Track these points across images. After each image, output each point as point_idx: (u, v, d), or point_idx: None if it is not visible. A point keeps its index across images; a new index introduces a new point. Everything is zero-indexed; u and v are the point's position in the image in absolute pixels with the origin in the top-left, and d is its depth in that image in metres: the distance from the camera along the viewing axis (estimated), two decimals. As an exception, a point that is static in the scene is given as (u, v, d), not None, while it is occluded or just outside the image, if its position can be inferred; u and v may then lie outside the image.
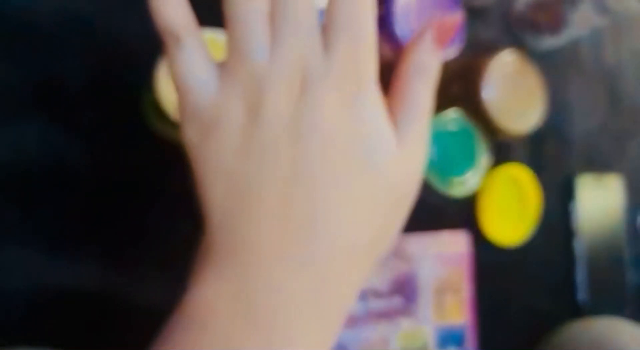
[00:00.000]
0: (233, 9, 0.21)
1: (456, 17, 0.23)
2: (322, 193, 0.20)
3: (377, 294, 0.45)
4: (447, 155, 0.41)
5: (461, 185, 0.41)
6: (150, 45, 0.37)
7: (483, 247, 0.50)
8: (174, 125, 0.33)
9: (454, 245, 0.49)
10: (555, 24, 0.51)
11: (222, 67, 0.21)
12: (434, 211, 0.48)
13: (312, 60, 0.20)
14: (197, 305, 0.20)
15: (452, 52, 0.43)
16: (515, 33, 0.54)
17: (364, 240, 0.21)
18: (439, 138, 0.41)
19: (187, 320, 0.20)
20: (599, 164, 0.59)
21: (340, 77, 0.20)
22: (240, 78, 0.20)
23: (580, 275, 0.55)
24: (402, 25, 0.41)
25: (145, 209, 0.38)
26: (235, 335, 0.19)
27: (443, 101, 0.47)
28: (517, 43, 0.54)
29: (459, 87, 0.46)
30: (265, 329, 0.19)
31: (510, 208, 0.51)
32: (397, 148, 0.21)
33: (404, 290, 0.46)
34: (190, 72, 0.21)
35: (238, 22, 0.21)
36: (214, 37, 0.34)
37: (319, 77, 0.20)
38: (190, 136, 0.21)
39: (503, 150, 0.52)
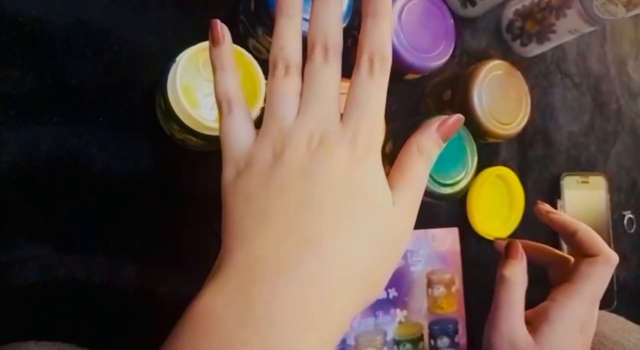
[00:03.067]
0: (272, 84, 0.26)
1: (459, 118, 0.28)
2: (325, 223, 0.23)
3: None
4: (439, 157, 0.42)
5: (452, 185, 0.42)
6: (161, 53, 0.38)
7: (473, 244, 0.52)
8: (182, 128, 0.34)
9: (445, 241, 0.50)
10: (543, 32, 0.52)
11: (260, 129, 0.26)
12: (427, 210, 0.49)
13: (330, 126, 0.25)
14: (201, 312, 0.21)
15: (444, 60, 0.44)
16: (504, 41, 0.56)
17: (358, 269, 0.23)
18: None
19: (191, 325, 0.21)
20: (584, 165, 0.60)
21: (351, 142, 0.25)
22: (271, 134, 0.26)
23: None
24: (397, 35, 0.42)
25: (156, 207, 0.39)
26: (235, 340, 0.20)
27: (436, 106, 0.48)
28: (506, 50, 0.56)
29: (451, 93, 0.47)
30: (263, 335, 0.20)
31: (497, 206, 0.53)
32: (392, 207, 0.25)
33: (399, 283, 0.47)
34: (234, 129, 0.27)
35: (275, 95, 0.26)
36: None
37: (334, 139, 0.25)
38: (227, 176, 0.26)
39: (492, 152, 0.54)
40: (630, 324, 0.47)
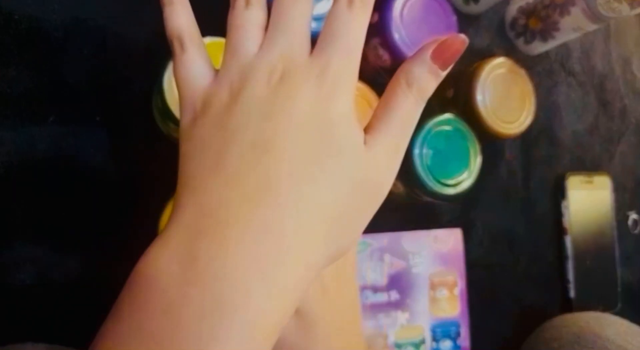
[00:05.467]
0: (234, 17, 0.24)
1: (462, 39, 0.22)
2: (285, 167, 0.21)
3: (374, 289, 0.46)
4: (441, 157, 0.42)
5: (455, 186, 0.42)
6: (158, 51, 0.38)
7: (477, 245, 0.51)
8: (179, 127, 0.34)
9: (448, 242, 0.49)
10: (547, 30, 0.52)
11: (219, 68, 0.24)
12: (429, 210, 0.49)
13: (296, 58, 0.22)
14: (143, 270, 0.20)
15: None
16: (508, 38, 0.55)
17: (321, 216, 0.21)
18: (434, 140, 0.42)
19: (132, 285, 0.20)
20: (588, 164, 0.60)
21: (319, 78, 0.22)
22: (230, 70, 0.23)
23: (571, 272, 0.56)
24: (398, 32, 0.42)
25: (154, 206, 0.38)
26: (175, 303, 0.18)
27: (438, 104, 0.48)
28: (510, 48, 0.55)
29: (454, 91, 0.47)
30: (208, 291, 0.18)
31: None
32: (365, 149, 0.22)
33: (401, 285, 0.47)
34: (190, 70, 0.24)
35: (236, 27, 0.24)
36: (219, 42, 0.35)
37: (299, 73, 0.22)
38: (184, 122, 0.23)
39: (496, 151, 0.54)
40: (635, 327, 0.46)
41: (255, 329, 0.18)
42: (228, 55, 0.24)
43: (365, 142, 0.22)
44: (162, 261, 0.19)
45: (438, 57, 0.22)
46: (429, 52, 0.22)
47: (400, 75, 0.23)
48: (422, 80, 0.23)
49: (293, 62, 0.22)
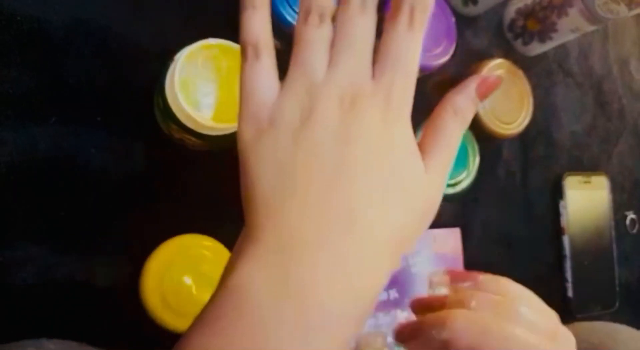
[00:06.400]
0: (303, 32, 0.24)
1: (499, 77, 0.26)
2: (360, 192, 0.22)
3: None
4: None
5: (454, 186, 0.42)
6: (160, 52, 0.38)
7: (475, 245, 0.51)
8: (181, 128, 0.34)
9: (447, 242, 0.50)
10: (545, 31, 0.52)
11: (284, 81, 0.24)
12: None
13: (363, 82, 0.23)
14: (237, 288, 0.20)
15: (446, 58, 0.44)
16: (506, 39, 0.55)
17: (390, 240, 0.22)
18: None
19: (225, 302, 0.20)
20: (586, 164, 0.60)
21: (384, 102, 0.23)
22: (299, 89, 0.23)
23: (569, 272, 0.56)
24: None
25: (155, 207, 0.39)
26: (271, 319, 0.19)
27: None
28: (508, 49, 0.55)
29: None
30: (299, 312, 0.19)
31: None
32: (425, 173, 0.24)
33: (400, 285, 0.47)
34: (259, 80, 0.24)
35: (305, 43, 0.24)
36: (230, 45, 0.35)
37: (366, 97, 0.23)
38: (246, 133, 0.23)
39: (494, 152, 0.54)
40: (617, 326, 0.46)
41: (338, 344, 0.20)
42: (297, 71, 0.24)
43: (424, 167, 0.24)
44: (257, 281, 0.20)
45: (479, 90, 0.25)
46: (474, 85, 0.25)
47: (447, 104, 0.25)
48: (466, 108, 0.25)
49: (361, 85, 0.23)
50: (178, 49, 0.34)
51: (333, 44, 0.24)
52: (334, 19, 0.24)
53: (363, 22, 0.24)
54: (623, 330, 0.46)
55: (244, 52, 0.24)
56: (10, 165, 0.35)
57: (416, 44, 0.24)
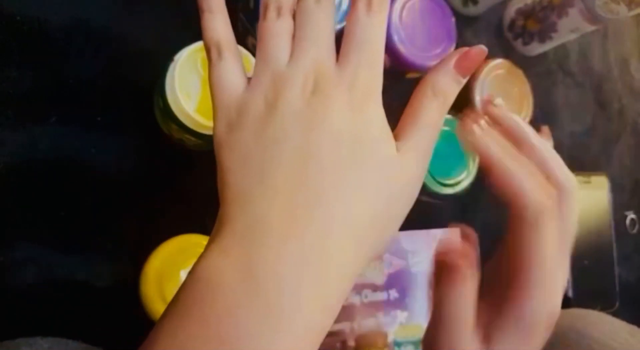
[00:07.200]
0: (264, 27, 0.25)
1: (482, 50, 0.24)
2: (328, 177, 0.22)
3: (373, 288, 0.46)
4: (440, 157, 0.42)
5: (454, 186, 0.42)
6: (160, 52, 0.38)
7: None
8: (180, 127, 0.34)
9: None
10: (545, 31, 0.52)
11: (252, 76, 0.25)
12: (428, 210, 0.49)
13: (326, 68, 0.23)
14: (205, 276, 0.21)
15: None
16: (506, 39, 0.56)
17: (361, 223, 0.22)
18: (433, 140, 0.42)
19: (193, 289, 0.21)
20: (586, 165, 0.60)
21: (349, 86, 0.23)
22: (263, 80, 0.24)
23: (569, 272, 0.54)
24: (397, 34, 0.42)
25: (155, 207, 0.39)
26: (239, 306, 0.20)
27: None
28: (508, 49, 0.55)
29: None
30: (263, 299, 0.20)
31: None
32: (398, 156, 0.23)
33: (400, 285, 0.47)
34: (226, 77, 0.25)
35: (267, 37, 0.24)
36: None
37: (331, 82, 0.23)
38: (220, 130, 0.24)
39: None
40: (618, 323, 0.46)
41: (308, 330, 0.20)
42: (261, 63, 0.24)
43: (397, 149, 0.23)
44: (223, 269, 0.21)
45: (460, 65, 0.24)
46: (452, 61, 0.24)
47: (425, 84, 0.24)
48: (446, 87, 0.24)
49: (323, 72, 0.23)
50: (178, 49, 0.34)
51: (294, 35, 0.24)
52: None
53: (321, 11, 0.24)
54: (592, 313, 0.46)
55: (208, 54, 0.25)
56: (10, 165, 0.35)
57: (377, 27, 0.24)
